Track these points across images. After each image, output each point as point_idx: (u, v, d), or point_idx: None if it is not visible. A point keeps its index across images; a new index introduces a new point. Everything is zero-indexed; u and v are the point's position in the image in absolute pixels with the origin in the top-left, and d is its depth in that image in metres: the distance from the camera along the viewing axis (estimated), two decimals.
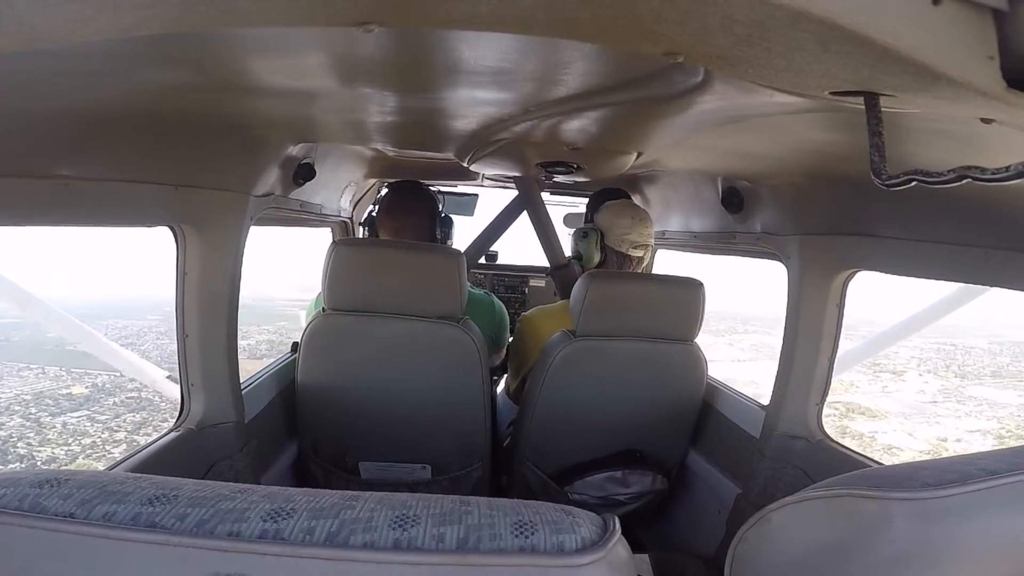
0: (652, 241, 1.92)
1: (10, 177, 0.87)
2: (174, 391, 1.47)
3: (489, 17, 0.51)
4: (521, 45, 0.68)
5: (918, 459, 0.62)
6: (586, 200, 2.12)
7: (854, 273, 1.53)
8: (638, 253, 1.88)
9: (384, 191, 2.05)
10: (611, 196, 1.96)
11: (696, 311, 1.68)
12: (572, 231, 2.07)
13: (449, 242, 2.00)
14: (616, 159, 1.47)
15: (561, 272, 2.18)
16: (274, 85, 0.93)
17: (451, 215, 2.03)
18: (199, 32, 0.61)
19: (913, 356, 11.93)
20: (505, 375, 2.24)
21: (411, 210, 1.90)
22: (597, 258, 1.88)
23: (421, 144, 1.80)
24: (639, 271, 1.93)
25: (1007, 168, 0.47)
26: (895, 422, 10.50)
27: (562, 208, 3.03)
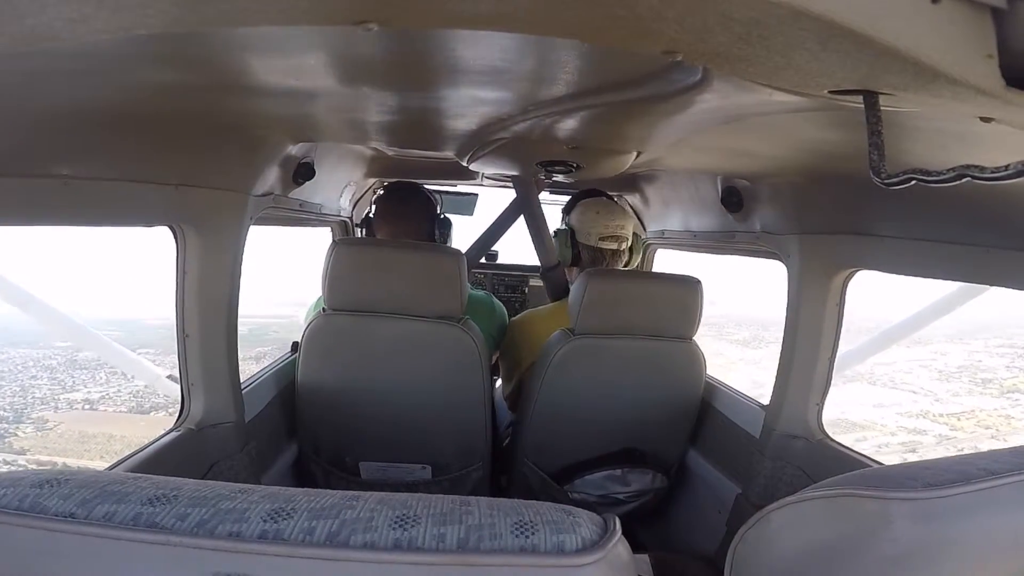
0: (626, 233, 1.91)
1: (10, 177, 0.87)
2: (174, 390, 1.47)
3: (489, 16, 0.51)
4: (520, 44, 0.68)
5: None
6: None
7: (854, 272, 1.53)
8: (609, 245, 1.87)
9: (379, 191, 2.04)
10: (587, 197, 1.98)
11: (694, 309, 1.69)
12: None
13: (447, 243, 2.00)
14: (615, 158, 1.47)
15: (552, 274, 2.20)
16: (274, 85, 0.93)
17: (450, 215, 2.02)
18: (199, 31, 0.60)
19: (1006, 364, 9.70)
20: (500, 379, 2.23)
21: (407, 214, 1.90)
22: (570, 255, 1.91)
23: (421, 143, 1.80)
24: (619, 266, 1.93)
25: (1006, 167, 0.47)
26: None
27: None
